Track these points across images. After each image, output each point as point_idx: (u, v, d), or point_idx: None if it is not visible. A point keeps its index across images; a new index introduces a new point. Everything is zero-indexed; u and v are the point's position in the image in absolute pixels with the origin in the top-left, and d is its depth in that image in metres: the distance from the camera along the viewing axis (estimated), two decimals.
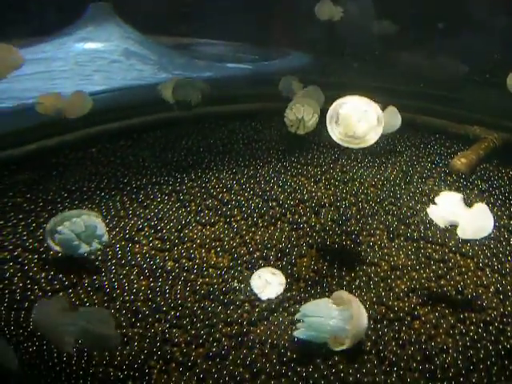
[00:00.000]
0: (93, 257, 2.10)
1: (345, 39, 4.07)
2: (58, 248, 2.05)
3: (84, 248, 2.05)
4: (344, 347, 1.67)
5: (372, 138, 2.00)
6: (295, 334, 1.72)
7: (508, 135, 2.96)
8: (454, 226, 1.90)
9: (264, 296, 1.92)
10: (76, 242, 2.03)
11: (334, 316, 1.70)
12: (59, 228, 2.03)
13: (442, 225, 1.91)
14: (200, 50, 4.49)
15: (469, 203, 1.94)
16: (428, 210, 1.92)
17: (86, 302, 1.89)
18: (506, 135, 2.96)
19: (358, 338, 1.70)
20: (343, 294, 1.76)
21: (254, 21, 4.22)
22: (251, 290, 1.94)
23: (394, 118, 2.67)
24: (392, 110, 2.66)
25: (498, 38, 3.55)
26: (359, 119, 1.96)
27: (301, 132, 2.81)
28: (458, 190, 2.55)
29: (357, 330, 1.67)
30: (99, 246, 2.07)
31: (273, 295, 1.93)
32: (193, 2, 4.30)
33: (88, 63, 3.85)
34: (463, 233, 1.89)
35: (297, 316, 1.74)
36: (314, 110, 2.79)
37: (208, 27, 4.33)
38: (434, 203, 1.92)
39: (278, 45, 4.32)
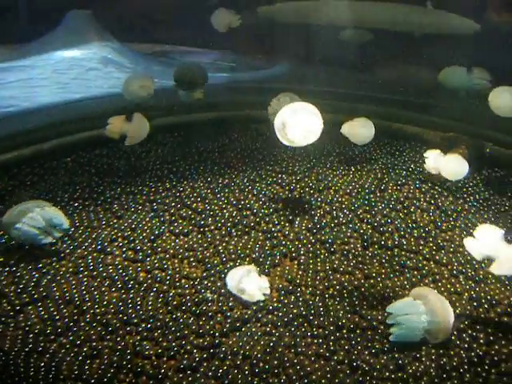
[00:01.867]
0: (64, 269, 2.08)
1: (322, 47, 4.08)
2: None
3: (46, 239, 2.13)
4: (439, 340, 1.77)
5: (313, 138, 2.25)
6: (391, 339, 1.77)
7: (482, 142, 2.98)
8: (490, 260, 1.88)
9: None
10: (38, 236, 2.11)
11: (422, 311, 1.78)
12: (18, 225, 2.07)
13: (478, 258, 1.89)
14: (178, 57, 4.47)
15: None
16: (465, 242, 1.92)
17: (56, 316, 1.86)
18: (480, 142, 2.97)
19: (449, 329, 1.78)
20: (420, 290, 1.88)
21: (233, 29, 4.22)
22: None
23: (367, 130, 2.69)
24: (365, 121, 2.68)
25: (471, 45, 3.57)
26: (301, 125, 2.22)
27: None
28: (432, 196, 2.56)
29: (446, 321, 1.76)
30: (60, 234, 2.16)
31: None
32: (172, 10, 4.28)
33: (66, 71, 3.83)
34: (499, 269, 1.84)
35: (388, 320, 1.80)
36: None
37: (186, 35, 4.32)
38: (473, 236, 1.91)
39: (256, 53, 4.32)
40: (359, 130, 2.74)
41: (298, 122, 2.21)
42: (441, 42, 3.58)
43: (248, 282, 1.91)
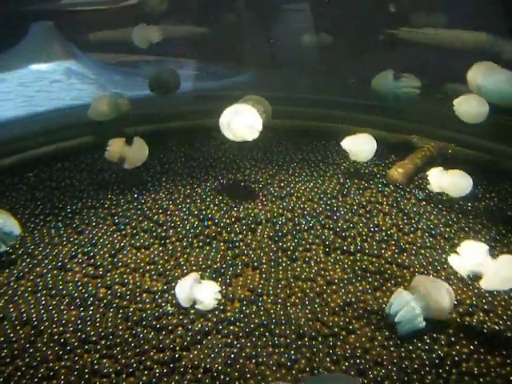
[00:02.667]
0: (22, 288, 2.04)
1: (285, 53, 4.10)
2: None
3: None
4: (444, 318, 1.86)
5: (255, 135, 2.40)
6: (399, 335, 1.83)
7: (444, 144, 3.00)
8: (477, 277, 1.89)
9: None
10: None
11: (410, 299, 1.82)
12: None
13: (464, 274, 1.90)
14: (142, 67, 4.44)
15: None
16: (449, 259, 1.92)
17: (12, 338, 1.82)
18: (442, 144, 2.99)
19: (449, 304, 1.83)
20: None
21: (197, 37, 4.21)
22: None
23: (368, 144, 2.68)
24: (368, 137, 2.68)
25: (435, 48, 3.61)
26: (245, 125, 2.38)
27: None
28: (395, 199, 2.57)
29: (438, 302, 1.81)
30: (13, 242, 2.17)
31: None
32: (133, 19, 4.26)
33: (31, 84, 3.80)
34: (488, 284, 1.83)
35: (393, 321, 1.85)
36: (263, 107, 2.79)
37: (150, 44, 4.30)
38: (456, 252, 1.91)
39: (220, 61, 4.31)
40: (362, 146, 2.69)
41: (240, 120, 2.39)
42: (403, 45, 3.61)
43: (198, 291, 1.89)
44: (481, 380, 1.72)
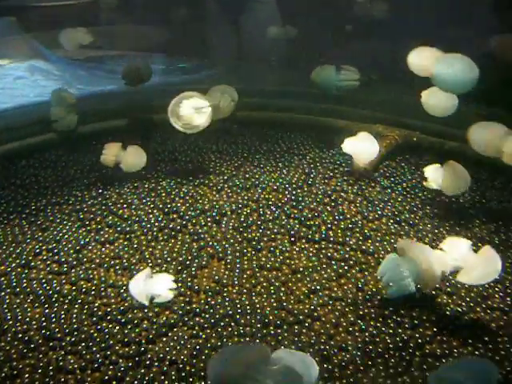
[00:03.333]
0: None
1: (252, 46, 4.10)
2: None
3: None
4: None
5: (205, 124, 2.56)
6: (387, 296, 1.90)
7: (409, 132, 3.02)
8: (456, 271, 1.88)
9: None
10: None
11: (400, 262, 1.86)
12: None
13: (446, 270, 1.88)
14: (109, 62, 4.40)
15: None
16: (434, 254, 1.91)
17: None
18: (407, 132, 3.02)
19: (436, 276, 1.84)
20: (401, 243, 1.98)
21: (165, 31, 4.19)
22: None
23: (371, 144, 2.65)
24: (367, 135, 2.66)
25: (400, 37, 3.63)
26: (193, 112, 2.53)
27: (217, 117, 2.81)
28: (360, 188, 2.59)
29: (429, 264, 1.82)
30: None
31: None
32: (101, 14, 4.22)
33: None
34: (465, 278, 1.85)
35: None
36: (230, 96, 2.85)
37: (118, 39, 4.26)
38: (441, 249, 1.91)
39: (187, 55, 4.29)
40: (363, 144, 2.64)
41: (187, 105, 2.54)
42: (367, 38, 3.64)
43: (153, 285, 1.88)
44: (443, 361, 1.75)
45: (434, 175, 2.42)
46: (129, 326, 1.84)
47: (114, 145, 2.62)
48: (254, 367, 1.39)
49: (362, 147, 2.63)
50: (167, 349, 1.76)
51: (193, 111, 2.54)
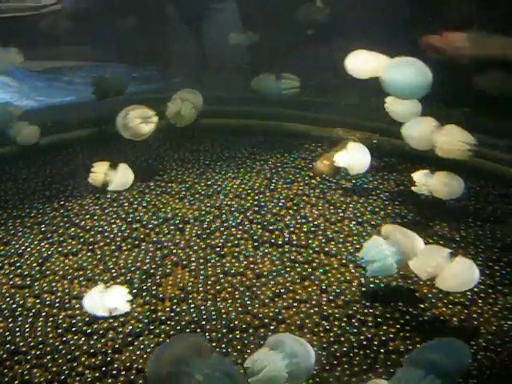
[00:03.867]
0: None
1: (215, 54, 4.12)
2: None
3: None
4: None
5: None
6: (368, 275, 1.96)
7: (370, 134, 3.06)
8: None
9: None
10: None
11: (381, 243, 1.90)
12: None
13: (423, 277, 1.90)
14: (67, 73, 4.36)
15: None
16: (410, 263, 1.93)
17: None
18: (367, 134, 3.05)
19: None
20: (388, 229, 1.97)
21: (124, 41, 4.17)
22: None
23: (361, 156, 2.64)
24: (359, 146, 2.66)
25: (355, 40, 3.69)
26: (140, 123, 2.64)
27: (180, 125, 2.87)
28: (321, 191, 2.62)
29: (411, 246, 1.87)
30: None
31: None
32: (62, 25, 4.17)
33: None
34: (443, 284, 1.87)
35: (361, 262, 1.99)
36: (194, 102, 2.87)
37: (77, 49, 4.22)
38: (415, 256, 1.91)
39: (148, 64, 4.28)
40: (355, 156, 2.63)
41: (133, 116, 2.64)
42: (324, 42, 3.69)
43: (108, 299, 1.88)
44: (406, 356, 1.79)
45: (424, 181, 2.45)
46: (94, 337, 1.83)
47: (102, 163, 2.60)
48: (185, 361, 1.39)
49: (354, 158, 2.63)
50: (133, 358, 1.76)
51: (139, 121, 2.63)
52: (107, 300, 1.87)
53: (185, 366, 1.37)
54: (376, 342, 1.83)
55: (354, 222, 2.43)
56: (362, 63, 2.39)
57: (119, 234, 2.32)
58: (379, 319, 1.92)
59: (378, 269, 1.91)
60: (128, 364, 1.73)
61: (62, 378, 1.70)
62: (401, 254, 1.89)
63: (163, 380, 1.39)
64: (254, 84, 3.16)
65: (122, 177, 2.61)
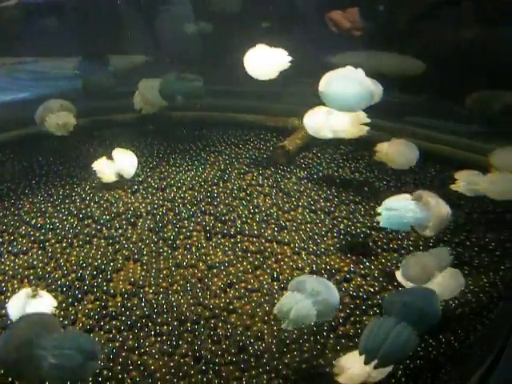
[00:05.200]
0: None
1: (171, 45, 4.08)
2: None
3: None
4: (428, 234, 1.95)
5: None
6: (381, 223, 1.95)
7: None
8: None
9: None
10: None
11: (412, 208, 1.90)
12: None
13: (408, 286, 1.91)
14: (20, 68, 4.27)
15: None
16: (396, 273, 1.96)
17: None
18: None
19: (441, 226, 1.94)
20: (423, 193, 1.95)
21: (80, 35, 4.11)
22: None
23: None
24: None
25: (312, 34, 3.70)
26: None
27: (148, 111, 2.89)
28: (275, 180, 2.64)
29: (438, 218, 1.89)
30: None
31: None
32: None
33: None
34: None
35: (379, 209, 1.94)
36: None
37: (28, 44, 4.15)
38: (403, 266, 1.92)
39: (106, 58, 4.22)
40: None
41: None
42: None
43: (33, 308, 1.82)
44: (356, 340, 1.81)
45: (385, 150, 2.47)
46: None
47: (99, 162, 2.54)
48: (31, 343, 1.34)
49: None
50: None
51: (55, 115, 2.64)
52: (32, 306, 1.77)
53: (33, 349, 1.33)
54: (326, 328, 1.84)
55: (307, 210, 2.45)
56: (259, 64, 2.43)
57: (71, 230, 2.29)
58: None
59: (393, 217, 1.92)
60: None
61: (10, 380, 1.68)
62: (423, 217, 1.91)
63: (14, 367, 1.35)
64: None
65: (126, 160, 2.55)
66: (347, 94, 2.10)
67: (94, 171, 2.53)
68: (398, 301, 1.54)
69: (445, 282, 1.86)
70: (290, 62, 2.47)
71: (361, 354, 1.50)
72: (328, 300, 1.61)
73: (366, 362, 1.50)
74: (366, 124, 2.42)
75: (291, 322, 1.58)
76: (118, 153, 2.55)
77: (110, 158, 2.55)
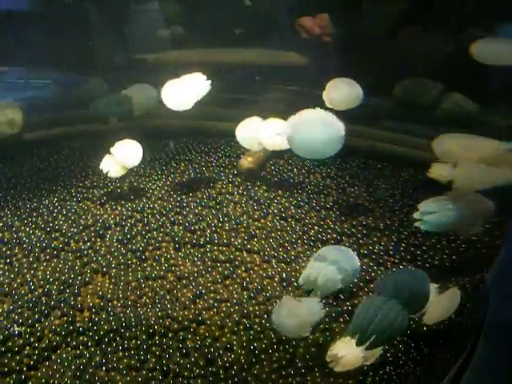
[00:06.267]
0: None
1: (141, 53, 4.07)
2: None
3: None
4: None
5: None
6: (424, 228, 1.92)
7: None
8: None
9: None
10: None
11: (450, 207, 1.88)
12: None
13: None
14: None
15: None
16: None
17: None
18: None
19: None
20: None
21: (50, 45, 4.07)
22: None
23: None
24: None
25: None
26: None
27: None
28: (245, 188, 2.63)
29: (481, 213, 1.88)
30: None
31: None
32: None
33: None
34: (429, 319, 1.82)
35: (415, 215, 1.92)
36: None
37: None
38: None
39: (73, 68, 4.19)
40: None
41: None
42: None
43: None
44: (326, 349, 1.82)
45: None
46: (9, 355, 1.77)
47: (104, 160, 2.50)
48: None
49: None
50: (50, 373, 1.72)
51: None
52: None
53: None
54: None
55: (277, 218, 2.44)
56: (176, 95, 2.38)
57: (38, 244, 2.26)
58: None
59: (433, 220, 1.89)
60: (43, 380, 1.69)
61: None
62: (461, 215, 1.88)
63: None
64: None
65: (128, 152, 2.51)
66: (315, 141, 1.97)
67: (64, 181, 2.51)
68: (389, 281, 1.57)
69: (443, 302, 1.84)
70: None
71: (352, 334, 1.52)
72: (349, 266, 1.69)
73: (358, 344, 1.51)
74: None
75: (319, 289, 1.66)
76: (117, 147, 2.49)
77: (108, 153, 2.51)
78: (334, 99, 2.41)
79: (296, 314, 1.67)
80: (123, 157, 2.49)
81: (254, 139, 2.46)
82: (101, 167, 2.49)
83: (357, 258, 1.77)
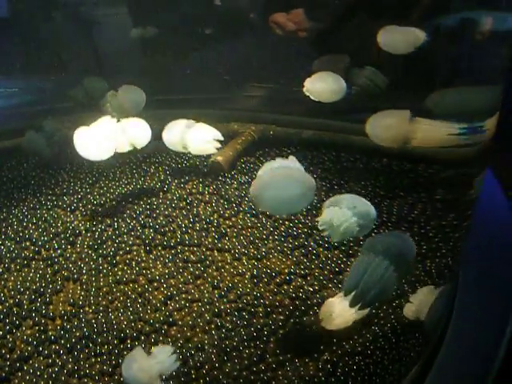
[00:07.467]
0: None
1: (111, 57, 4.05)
2: None
3: None
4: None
5: None
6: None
7: (265, 126, 3.09)
8: None
9: None
10: None
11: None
12: None
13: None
14: None
15: None
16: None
17: None
18: (262, 126, 3.08)
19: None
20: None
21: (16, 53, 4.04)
22: None
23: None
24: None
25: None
26: None
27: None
28: (216, 187, 2.64)
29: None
30: None
31: None
32: None
33: None
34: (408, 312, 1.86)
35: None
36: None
37: None
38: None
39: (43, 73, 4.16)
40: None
41: None
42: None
43: None
44: (298, 342, 1.85)
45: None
46: None
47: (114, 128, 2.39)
48: None
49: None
50: None
51: None
52: None
53: None
54: (266, 332, 1.87)
55: (248, 215, 2.46)
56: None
57: (8, 254, 2.25)
58: (269, 309, 1.95)
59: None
60: None
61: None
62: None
63: None
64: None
65: (139, 129, 2.43)
66: (284, 197, 1.71)
67: (33, 189, 2.49)
68: (378, 241, 1.60)
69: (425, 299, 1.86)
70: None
71: (347, 293, 1.54)
72: (366, 212, 1.65)
73: (352, 304, 1.54)
74: None
75: (335, 230, 1.62)
76: (130, 121, 2.41)
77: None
78: (317, 91, 2.49)
79: (145, 368, 1.54)
80: (134, 135, 2.41)
81: (179, 143, 2.45)
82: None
83: (373, 208, 1.67)
